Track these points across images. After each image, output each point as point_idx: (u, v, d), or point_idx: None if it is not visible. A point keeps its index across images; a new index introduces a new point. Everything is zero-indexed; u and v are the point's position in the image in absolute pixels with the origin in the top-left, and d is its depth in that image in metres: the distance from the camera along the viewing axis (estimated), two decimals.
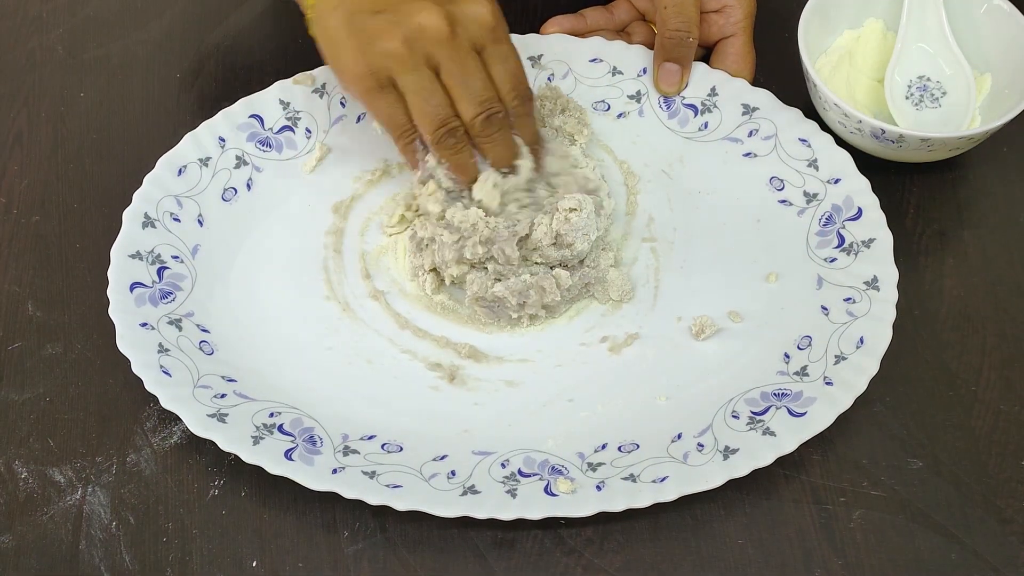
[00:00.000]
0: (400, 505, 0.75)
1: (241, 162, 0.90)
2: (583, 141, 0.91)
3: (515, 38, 0.94)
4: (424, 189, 0.85)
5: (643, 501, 0.75)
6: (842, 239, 0.86)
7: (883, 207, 0.86)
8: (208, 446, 0.78)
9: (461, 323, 0.85)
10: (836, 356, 0.80)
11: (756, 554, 0.77)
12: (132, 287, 0.83)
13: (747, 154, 0.91)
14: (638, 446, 0.79)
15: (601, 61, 0.94)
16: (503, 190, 0.84)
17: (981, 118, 0.91)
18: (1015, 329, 0.85)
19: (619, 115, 0.93)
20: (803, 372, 0.81)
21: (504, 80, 0.83)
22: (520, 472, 0.77)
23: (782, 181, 0.89)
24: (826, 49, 0.94)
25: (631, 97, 0.93)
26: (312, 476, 0.76)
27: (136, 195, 0.87)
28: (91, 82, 0.98)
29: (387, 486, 0.76)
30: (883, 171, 0.90)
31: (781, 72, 0.95)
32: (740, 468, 0.76)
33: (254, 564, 0.77)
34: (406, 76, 0.81)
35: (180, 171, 0.88)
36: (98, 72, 0.99)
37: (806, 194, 0.88)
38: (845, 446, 0.81)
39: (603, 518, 0.77)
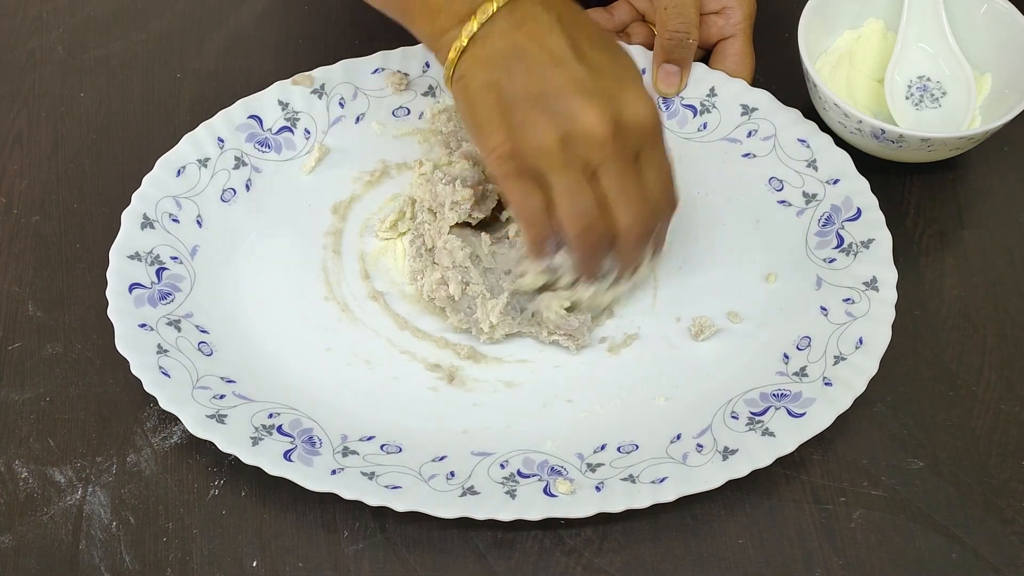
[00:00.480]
0: (399, 506, 0.75)
1: (240, 163, 0.90)
2: None
3: None
4: (530, 276, 0.82)
5: (642, 502, 0.75)
6: (841, 240, 0.85)
7: (883, 207, 0.86)
8: (208, 446, 0.78)
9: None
10: (835, 357, 0.80)
11: (756, 554, 0.77)
12: (131, 288, 0.83)
13: (746, 154, 0.90)
14: (637, 447, 0.79)
15: None
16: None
17: (981, 118, 0.91)
18: (1015, 329, 0.85)
19: None
20: (802, 373, 0.81)
21: (656, 188, 0.77)
22: (519, 473, 0.77)
23: (781, 182, 0.89)
24: (826, 49, 0.94)
25: None
26: (311, 477, 0.76)
27: (135, 196, 0.87)
28: (91, 82, 0.98)
29: (386, 487, 0.76)
30: (883, 171, 0.90)
31: (781, 72, 0.95)
32: (739, 469, 0.76)
33: (254, 564, 0.77)
34: (556, 174, 0.75)
35: (179, 172, 0.88)
36: (98, 72, 0.99)
37: (805, 194, 0.88)
38: (845, 446, 0.81)
39: (603, 518, 0.77)
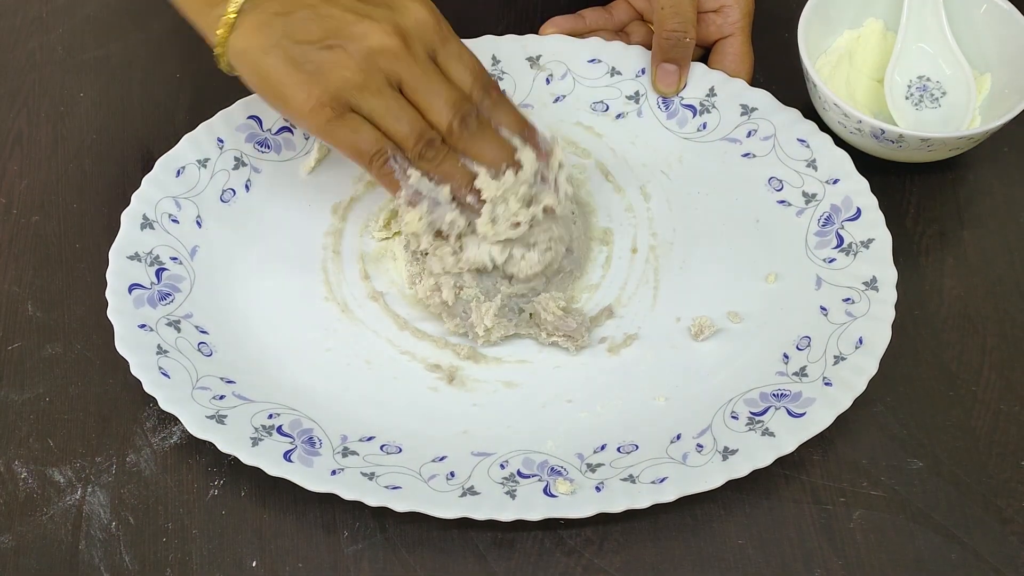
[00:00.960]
0: (399, 506, 0.75)
1: (240, 163, 0.90)
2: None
3: (514, 38, 0.95)
4: (410, 215, 0.82)
5: (642, 502, 0.75)
6: (841, 239, 0.86)
7: (883, 207, 0.86)
8: (208, 446, 0.78)
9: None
10: (835, 356, 0.80)
11: (756, 554, 0.77)
12: (131, 288, 0.83)
13: (746, 154, 0.90)
14: (637, 447, 0.79)
15: (600, 62, 0.94)
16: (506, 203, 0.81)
17: (981, 118, 0.91)
18: (1015, 329, 0.85)
19: (618, 115, 0.93)
20: (802, 373, 0.81)
21: (464, 77, 0.80)
22: (519, 473, 0.77)
23: (781, 181, 0.89)
24: (826, 49, 0.94)
25: (630, 98, 0.93)
26: (311, 477, 0.76)
27: (134, 196, 0.87)
28: (91, 82, 0.98)
29: (386, 487, 0.76)
30: (883, 171, 0.90)
31: (781, 72, 0.95)
32: (739, 469, 0.76)
33: (254, 564, 0.77)
34: (370, 100, 0.78)
35: (178, 172, 0.88)
36: (98, 72, 0.99)
37: (805, 194, 0.88)
38: (845, 446, 0.81)
39: (603, 518, 0.77)
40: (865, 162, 0.89)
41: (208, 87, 0.97)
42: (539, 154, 0.82)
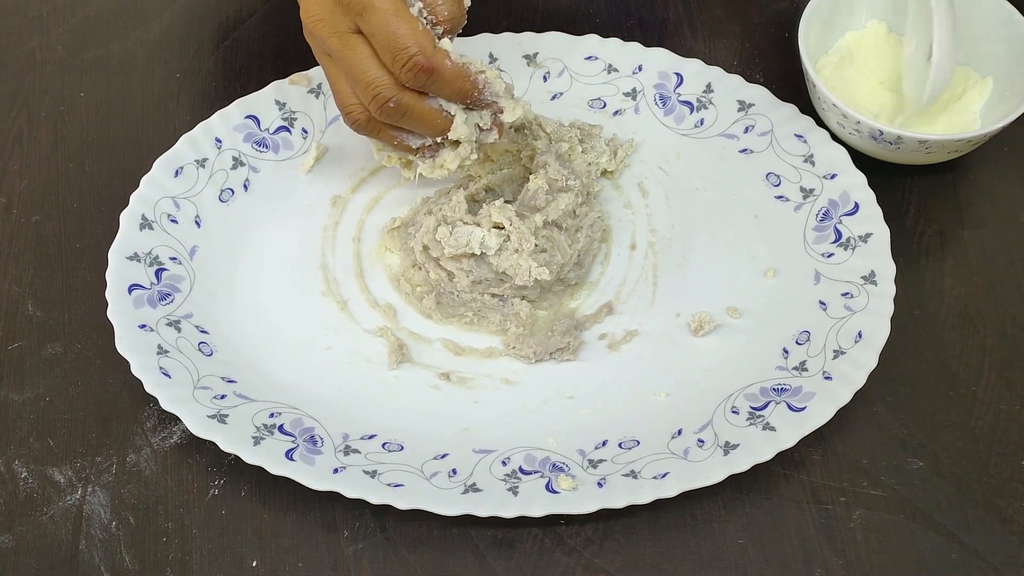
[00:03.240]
0: (402, 504, 0.75)
1: (238, 163, 0.90)
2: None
3: (511, 36, 0.95)
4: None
5: (644, 497, 0.75)
6: (839, 234, 0.86)
7: (883, 207, 0.86)
8: (208, 446, 0.78)
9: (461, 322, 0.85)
10: (835, 351, 0.81)
11: (756, 554, 0.77)
12: (130, 289, 0.83)
13: (743, 150, 0.91)
14: (638, 443, 0.79)
15: (596, 59, 0.94)
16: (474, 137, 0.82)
17: (981, 120, 0.91)
18: (1015, 329, 0.85)
19: (615, 112, 0.93)
20: (802, 367, 0.81)
21: (386, 57, 0.76)
22: (521, 470, 0.77)
23: (779, 177, 0.89)
24: (827, 50, 0.94)
25: (627, 94, 0.94)
26: (313, 476, 0.76)
27: (133, 197, 0.87)
28: (91, 82, 0.98)
29: (388, 485, 0.76)
30: (883, 171, 0.90)
31: (781, 72, 0.96)
32: (740, 463, 0.76)
33: (254, 564, 0.77)
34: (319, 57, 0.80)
35: (177, 172, 0.88)
36: (98, 72, 0.99)
37: (803, 189, 0.88)
38: (845, 446, 0.81)
39: (603, 518, 0.77)
40: (865, 162, 0.89)
41: (208, 87, 0.97)
42: (491, 109, 0.81)
